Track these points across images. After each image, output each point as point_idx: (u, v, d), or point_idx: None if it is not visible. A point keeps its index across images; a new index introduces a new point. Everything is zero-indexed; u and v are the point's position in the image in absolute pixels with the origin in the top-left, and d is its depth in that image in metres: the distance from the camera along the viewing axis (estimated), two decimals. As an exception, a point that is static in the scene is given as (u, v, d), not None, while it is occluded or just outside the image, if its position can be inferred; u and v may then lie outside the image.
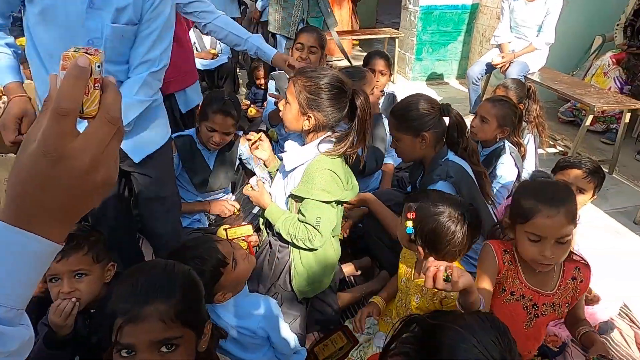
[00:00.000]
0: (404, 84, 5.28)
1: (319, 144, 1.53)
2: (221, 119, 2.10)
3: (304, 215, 1.53)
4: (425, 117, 1.71)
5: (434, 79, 5.38)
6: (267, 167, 1.81)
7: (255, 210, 2.27)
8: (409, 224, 1.35)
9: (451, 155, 1.73)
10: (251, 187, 1.68)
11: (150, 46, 1.39)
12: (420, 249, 1.38)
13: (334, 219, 1.59)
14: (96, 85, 0.47)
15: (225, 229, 1.91)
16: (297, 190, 1.54)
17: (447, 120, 1.78)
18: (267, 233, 1.79)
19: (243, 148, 2.37)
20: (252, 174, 2.56)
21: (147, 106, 1.46)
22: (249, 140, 1.72)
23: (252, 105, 3.69)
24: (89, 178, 0.45)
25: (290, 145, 1.67)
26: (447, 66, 5.40)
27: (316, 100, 1.47)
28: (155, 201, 1.71)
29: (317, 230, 1.52)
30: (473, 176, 1.74)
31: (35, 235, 0.45)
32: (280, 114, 1.60)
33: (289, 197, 1.63)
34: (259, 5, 4.45)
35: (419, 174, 1.90)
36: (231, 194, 2.49)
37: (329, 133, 1.56)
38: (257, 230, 2.12)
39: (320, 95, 1.47)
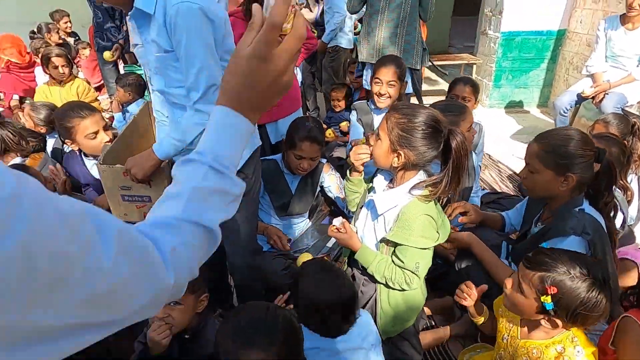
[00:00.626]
0: (479, 110, 5.10)
1: (411, 189, 1.48)
2: (308, 146, 2.13)
3: (401, 261, 1.49)
4: (578, 157, 1.53)
5: (513, 106, 5.15)
6: (350, 177, 1.74)
7: (330, 243, 2.25)
8: (549, 299, 1.19)
9: (586, 206, 1.56)
10: (336, 228, 1.64)
11: (185, 72, 1.39)
12: (558, 321, 1.24)
13: (430, 261, 1.54)
14: (292, 9, 0.62)
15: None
16: (394, 236, 1.49)
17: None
18: (350, 267, 1.77)
19: (326, 175, 2.38)
20: (331, 200, 2.56)
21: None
22: (360, 154, 1.63)
23: (330, 128, 3.73)
24: (280, 79, 0.62)
25: (379, 183, 1.64)
26: (527, 94, 5.15)
27: (408, 138, 1.41)
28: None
29: (416, 274, 1.48)
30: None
31: (244, 117, 0.64)
32: (371, 149, 1.57)
33: (380, 241, 1.59)
34: (325, 38, 4.12)
35: (537, 211, 1.76)
36: (308, 220, 2.50)
37: (421, 174, 1.51)
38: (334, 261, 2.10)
39: (414, 134, 1.41)
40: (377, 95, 2.53)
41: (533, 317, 1.30)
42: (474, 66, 5.14)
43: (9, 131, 2.20)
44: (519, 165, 3.49)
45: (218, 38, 1.42)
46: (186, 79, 1.39)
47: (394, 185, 1.56)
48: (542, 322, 1.27)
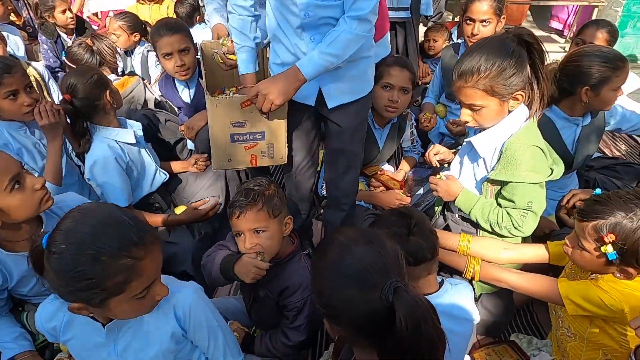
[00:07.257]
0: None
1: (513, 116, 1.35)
2: (398, 72, 1.94)
3: (510, 201, 1.35)
4: None
5: (635, 61, 4.43)
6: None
7: (421, 191, 2.11)
8: (609, 248, 1.07)
9: None
10: (440, 176, 1.55)
11: None
12: (631, 269, 1.11)
13: (544, 200, 1.37)
14: None
15: None
16: (498, 175, 1.35)
17: None
18: (444, 217, 1.64)
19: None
20: None
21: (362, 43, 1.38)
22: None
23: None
24: None
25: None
26: (656, 47, 4.39)
27: (507, 78, 1.27)
28: (340, 153, 1.64)
29: (532, 212, 1.34)
30: None
31: None
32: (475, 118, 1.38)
33: (483, 182, 1.44)
34: None
35: None
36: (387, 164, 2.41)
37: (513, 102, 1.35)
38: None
39: (507, 71, 1.26)
40: (469, 37, 2.23)
41: (604, 273, 1.17)
42: (595, 10, 4.41)
43: (105, 44, 2.26)
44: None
45: None
46: None
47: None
48: (616, 275, 1.15)
